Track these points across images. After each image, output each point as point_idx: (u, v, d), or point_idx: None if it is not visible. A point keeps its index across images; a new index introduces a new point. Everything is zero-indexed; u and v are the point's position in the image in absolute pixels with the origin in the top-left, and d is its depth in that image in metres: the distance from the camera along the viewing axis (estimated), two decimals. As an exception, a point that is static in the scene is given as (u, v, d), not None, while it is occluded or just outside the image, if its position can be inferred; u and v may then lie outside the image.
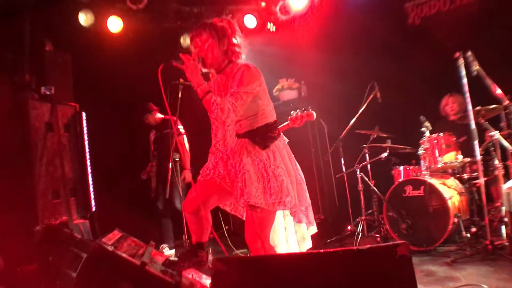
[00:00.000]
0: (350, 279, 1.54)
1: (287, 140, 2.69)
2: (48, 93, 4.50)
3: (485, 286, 2.91)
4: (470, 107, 3.66)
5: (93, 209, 4.87)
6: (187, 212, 2.71)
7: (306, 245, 2.78)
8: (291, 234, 2.79)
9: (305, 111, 3.26)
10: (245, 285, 1.63)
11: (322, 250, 1.60)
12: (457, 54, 3.65)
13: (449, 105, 4.77)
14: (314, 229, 2.73)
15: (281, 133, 2.63)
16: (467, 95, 3.65)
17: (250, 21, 5.77)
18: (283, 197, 2.38)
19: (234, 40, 2.52)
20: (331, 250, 1.58)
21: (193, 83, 2.43)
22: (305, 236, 2.76)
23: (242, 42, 2.57)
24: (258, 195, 2.35)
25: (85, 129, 4.87)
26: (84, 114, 4.88)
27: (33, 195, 4.18)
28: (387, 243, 1.47)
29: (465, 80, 3.65)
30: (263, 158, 2.43)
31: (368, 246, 1.52)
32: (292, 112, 3.28)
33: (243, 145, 2.50)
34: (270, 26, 5.86)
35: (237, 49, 2.53)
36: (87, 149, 4.88)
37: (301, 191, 2.54)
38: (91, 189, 4.88)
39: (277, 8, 5.60)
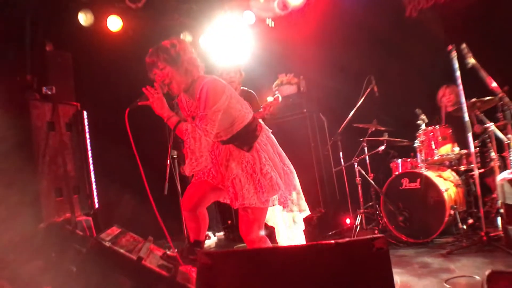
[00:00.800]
0: (329, 270, 1.59)
1: (270, 130, 2.74)
2: (49, 92, 4.57)
3: (477, 277, 2.95)
4: (463, 99, 3.68)
5: (96, 206, 4.96)
6: (184, 210, 2.80)
7: (298, 227, 2.82)
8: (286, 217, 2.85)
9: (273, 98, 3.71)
10: (230, 278, 1.68)
11: (304, 243, 1.65)
12: (450, 46, 3.66)
13: (446, 96, 4.78)
14: (306, 213, 2.77)
15: (262, 126, 2.66)
16: (461, 87, 3.66)
17: (249, 16, 5.80)
18: (274, 193, 2.45)
19: (190, 57, 2.50)
20: (312, 243, 1.63)
21: (161, 116, 2.46)
22: (296, 220, 2.81)
23: (197, 57, 2.55)
24: (251, 196, 2.42)
25: (86, 127, 4.95)
26: (85, 113, 4.96)
27: (37, 193, 4.27)
28: (364, 237, 1.52)
29: (458, 73, 3.66)
30: (249, 160, 2.48)
31: (347, 239, 1.57)
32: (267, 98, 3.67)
33: (228, 151, 2.57)
34: (269, 22, 5.89)
35: (196, 65, 2.51)
36: (89, 147, 4.96)
37: (288, 181, 2.58)
38: (94, 186, 4.96)
39: (275, 4, 5.62)
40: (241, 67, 3.88)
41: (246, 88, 3.92)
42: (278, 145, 2.69)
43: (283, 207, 2.58)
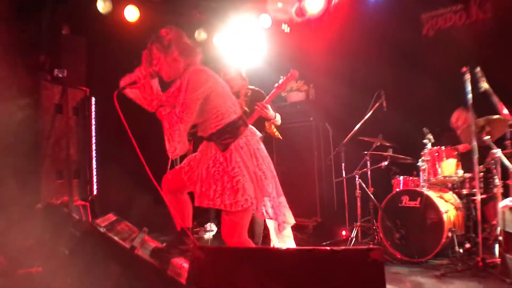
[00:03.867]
0: (323, 277, 1.58)
1: (259, 135, 2.71)
2: (60, 75, 4.61)
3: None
4: (473, 122, 3.66)
5: (95, 192, 4.97)
6: (165, 191, 2.77)
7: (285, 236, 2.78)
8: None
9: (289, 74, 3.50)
10: (221, 274, 1.68)
11: (299, 248, 1.64)
12: (464, 68, 3.65)
13: (461, 119, 4.72)
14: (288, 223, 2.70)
15: (248, 129, 2.61)
16: (471, 111, 3.65)
17: (265, 20, 5.82)
18: (239, 197, 2.41)
19: (182, 47, 2.54)
20: (308, 248, 1.62)
21: (147, 100, 2.53)
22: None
23: (193, 47, 2.60)
24: (216, 197, 2.42)
25: (93, 113, 4.97)
26: (93, 99, 4.98)
27: (37, 174, 4.28)
28: (361, 247, 1.51)
29: (470, 96, 3.64)
30: (222, 160, 2.48)
31: (343, 247, 1.56)
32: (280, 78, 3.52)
33: (206, 148, 2.59)
34: (285, 27, 5.90)
35: (187, 55, 2.55)
36: (93, 134, 4.98)
37: (262, 186, 2.51)
38: (94, 173, 4.98)
39: (293, 10, 5.63)
40: (242, 70, 3.80)
41: (255, 88, 3.90)
42: (261, 148, 2.64)
43: (256, 213, 2.55)
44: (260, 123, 3.58)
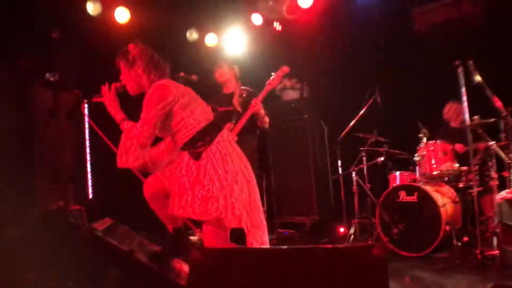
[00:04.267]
0: (325, 275, 1.57)
1: (236, 139, 2.75)
2: (52, 79, 4.54)
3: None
4: (467, 116, 3.67)
5: (90, 196, 4.92)
6: (148, 197, 2.78)
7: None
8: None
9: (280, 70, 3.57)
10: (223, 276, 1.66)
11: (300, 246, 1.63)
12: (457, 62, 3.65)
13: (451, 112, 4.76)
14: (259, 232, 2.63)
15: (219, 135, 2.58)
16: (465, 104, 3.66)
17: (256, 19, 5.79)
18: (209, 205, 2.41)
19: (146, 63, 2.57)
20: (309, 246, 1.61)
21: (111, 113, 2.63)
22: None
23: (159, 62, 2.62)
24: (188, 206, 2.44)
25: (86, 117, 4.90)
26: (86, 102, 4.92)
27: (32, 179, 4.23)
28: (363, 243, 1.50)
29: (463, 89, 3.65)
30: (194, 169, 2.49)
31: (345, 245, 1.54)
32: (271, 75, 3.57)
33: (182, 156, 2.60)
34: (276, 25, 5.88)
35: (152, 70, 2.57)
36: (87, 137, 4.93)
37: (232, 192, 2.47)
38: (89, 177, 4.92)
39: (284, 7, 5.62)
40: (236, 70, 3.84)
41: (250, 89, 3.89)
42: (233, 151, 2.59)
43: (225, 221, 2.49)
44: (253, 121, 3.61)
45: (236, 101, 3.66)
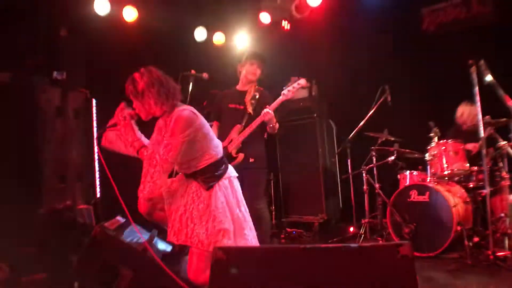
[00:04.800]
0: (350, 275, 1.54)
1: (236, 175, 2.74)
2: (59, 77, 4.53)
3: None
4: (480, 116, 3.64)
5: (98, 195, 4.90)
6: (145, 214, 2.79)
7: None
8: None
9: (297, 83, 3.56)
10: (244, 275, 1.63)
11: (324, 245, 1.60)
12: (470, 61, 3.62)
13: (466, 113, 4.71)
14: None
15: (228, 170, 2.65)
16: (478, 104, 3.62)
17: (264, 18, 5.78)
18: (220, 237, 2.42)
19: (157, 90, 2.49)
20: (333, 245, 1.58)
21: (128, 141, 2.57)
22: None
23: (170, 87, 2.56)
24: (194, 236, 2.44)
25: (94, 115, 4.89)
26: (94, 101, 4.90)
27: (39, 178, 4.21)
28: (389, 242, 1.47)
29: (476, 88, 3.62)
30: (205, 199, 2.49)
31: (371, 244, 1.52)
32: (284, 88, 3.56)
33: (188, 185, 2.59)
34: (285, 24, 5.86)
35: (165, 97, 2.51)
36: (95, 136, 4.90)
37: (239, 229, 2.55)
38: (97, 176, 4.90)
39: (293, 6, 5.59)
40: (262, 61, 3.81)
41: (263, 89, 3.84)
42: (239, 190, 2.69)
43: None
44: (263, 125, 3.57)
45: (248, 101, 3.62)
